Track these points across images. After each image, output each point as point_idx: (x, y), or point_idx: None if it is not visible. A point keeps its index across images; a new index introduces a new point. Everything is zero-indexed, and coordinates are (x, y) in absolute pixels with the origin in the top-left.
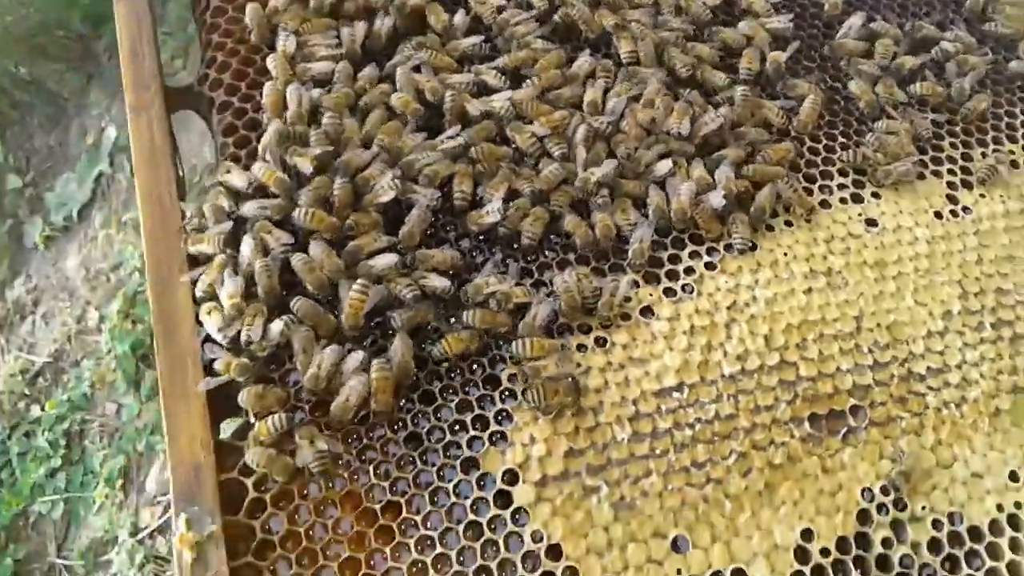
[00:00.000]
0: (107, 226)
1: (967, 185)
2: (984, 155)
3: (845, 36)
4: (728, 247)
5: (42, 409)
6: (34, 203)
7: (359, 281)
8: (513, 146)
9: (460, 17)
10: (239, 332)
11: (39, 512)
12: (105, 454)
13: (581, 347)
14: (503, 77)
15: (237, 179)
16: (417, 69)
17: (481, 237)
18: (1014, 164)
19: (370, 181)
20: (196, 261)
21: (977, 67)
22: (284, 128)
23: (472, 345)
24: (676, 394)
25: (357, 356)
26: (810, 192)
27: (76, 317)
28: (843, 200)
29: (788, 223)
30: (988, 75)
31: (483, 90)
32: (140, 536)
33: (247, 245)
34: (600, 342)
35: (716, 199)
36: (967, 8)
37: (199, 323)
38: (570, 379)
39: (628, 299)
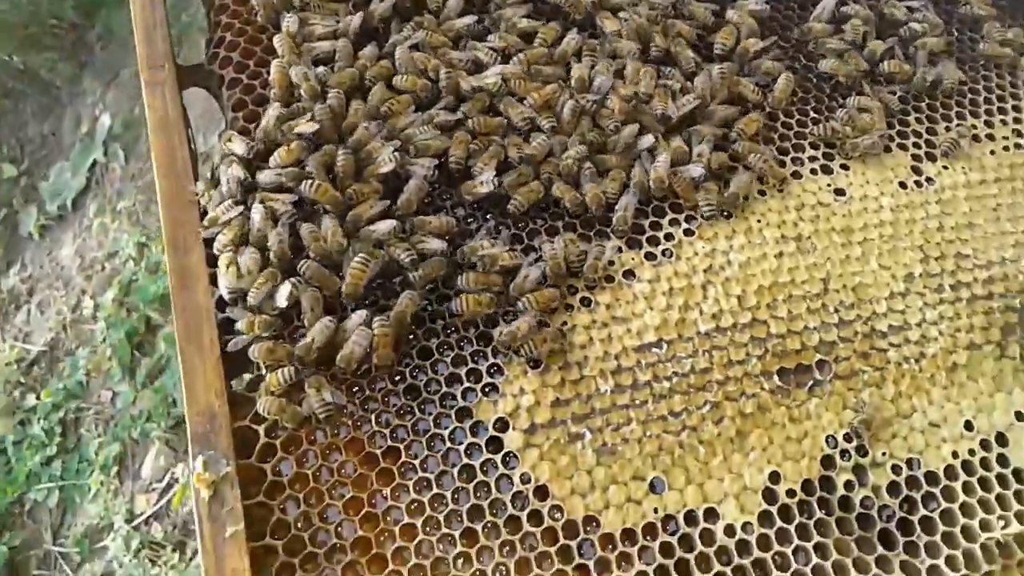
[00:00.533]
0: (101, 215)
1: (931, 157)
2: (948, 129)
3: (817, 18)
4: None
5: (38, 398)
6: (28, 192)
7: (360, 256)
8: (505, 118)
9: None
10: (245, 293)
11: (35, 500)
12: (100, 442)
13: (568, 307)
14: (494, 54)
15: (238, 147)
16: (415, 47)
17: (475, 206)
18: (975, 138)
19: (372, 154)
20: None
21: (935, 48)
22: (283, 112)
23: (488, 309)
24: (655, 350)
25: (361, 313)
26: (783, 164)
27: (71, 306)
28: (814, 171)
29: (762, 192)
30: (952, 55)
31: (478, 67)
32: (135, 522)
33: (257, 212)
34: (585, 302)
35: (695, 170)
36: None
37: (213, 284)
38: (553, 327)
39: (612, 263)
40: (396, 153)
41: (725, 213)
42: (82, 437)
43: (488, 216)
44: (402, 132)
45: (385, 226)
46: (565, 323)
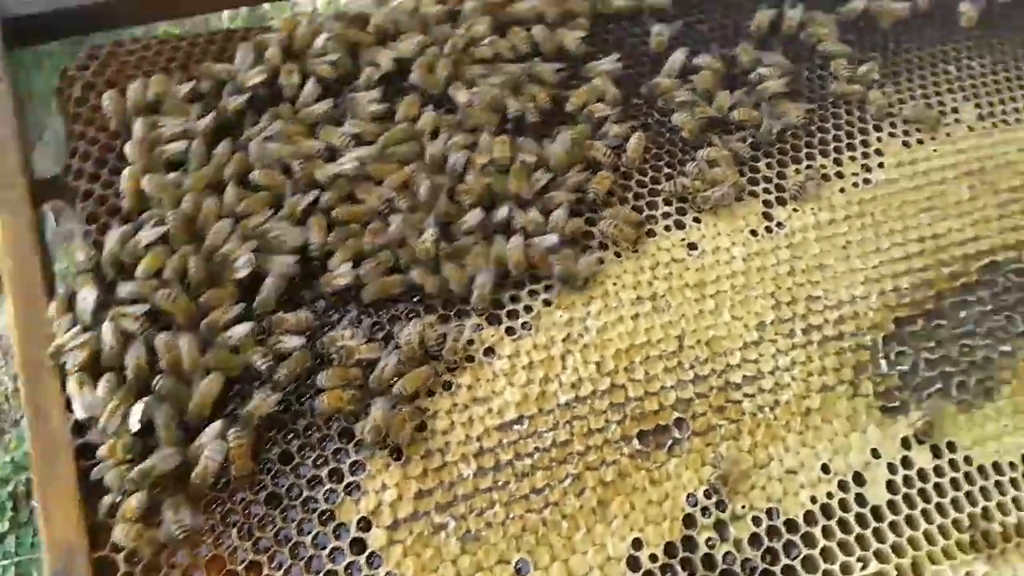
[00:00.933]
0: None
1: (781, 202)
2: (798, 171)
3: (668, 73)
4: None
5: None
6: None
7: (211, 375)
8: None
9: (311, 86)
10: (97, 419)
11: None
12: None
13: (429, 393)
14: (350, 139)
15: (80, 256)
16: (269, 139)
17: (336, 297)
18: (825, 177)
19: (228, 256)
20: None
21: (776, 89)
22: (127, 228)
23: (351, 405)
24: (517, 427)
25: (215, 425)
26: (640, 224)
27: (12, 376)
28: (667, 227)
29: (617, 254)
30: (801, 95)
31: (334, 153)
32: None
33: (108, 330)
34: (446, 386)
35: (549, 240)
36: (784, 33)
37: (69, 410)
38: (409, 406)
39: (472, 342)
40: (252, 255)
41: (572, 278)
42: (35, 509)
43: (349, 306)
44: (258, 229)
45: (240, 330)
46: (427, 410)
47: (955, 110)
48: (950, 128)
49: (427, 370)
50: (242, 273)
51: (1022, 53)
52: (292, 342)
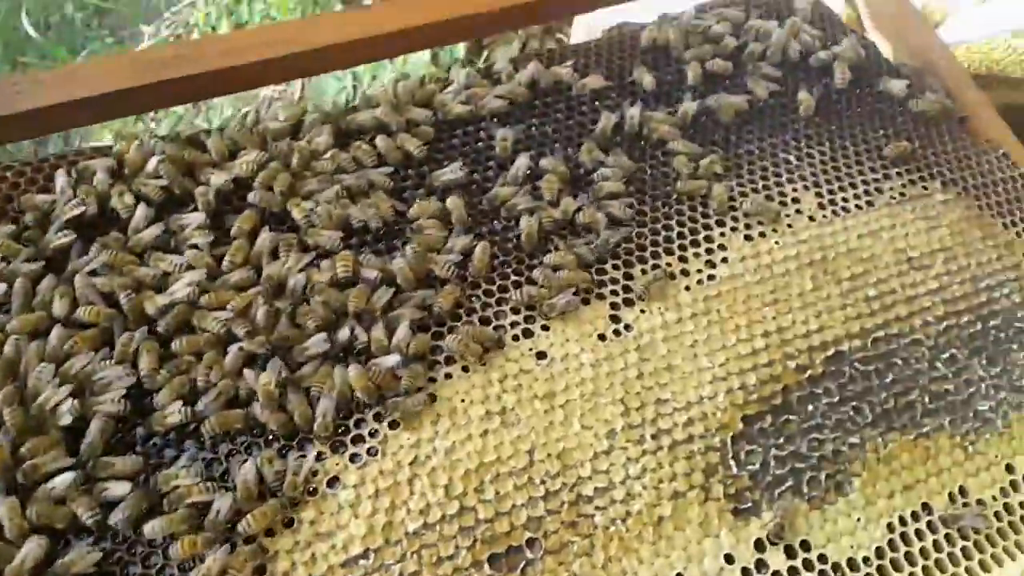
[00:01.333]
0: None
1: (629, 303)
2: (644, 272)
3: (513, 180)
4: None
5: None
6: None
7: (32, 541)
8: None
9: (140, 210)
10: None
11: None
12: None
13: (269, 532)
14: (181, 266)
15: None
16: (95, 273)
17: (169, 435)
18: (671, 276)
19: (46, 405)
20: None
21: (614, 190)
22: None
23: (206, 547)
24: (363, 562)
25: None
26: (489, 339)
27: None
28: (515, 337)
29: (465, 368)
30: (634, 194)
31: (167, 280)
32: None
33: None
34: (288, 523)
35: (390, 360)
36: (627, 132)
37: None
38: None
39: (315, 473)
40: (74, 401)
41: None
42: None
43: (186, 445)
44: (83, 370)
45: (63, 481)
46: (267, 550)
47: (796, 200)
48: (791, 219)
49: (274, 506)
50: (65, 420)
51: (861, 139)
52: (118, 489)
